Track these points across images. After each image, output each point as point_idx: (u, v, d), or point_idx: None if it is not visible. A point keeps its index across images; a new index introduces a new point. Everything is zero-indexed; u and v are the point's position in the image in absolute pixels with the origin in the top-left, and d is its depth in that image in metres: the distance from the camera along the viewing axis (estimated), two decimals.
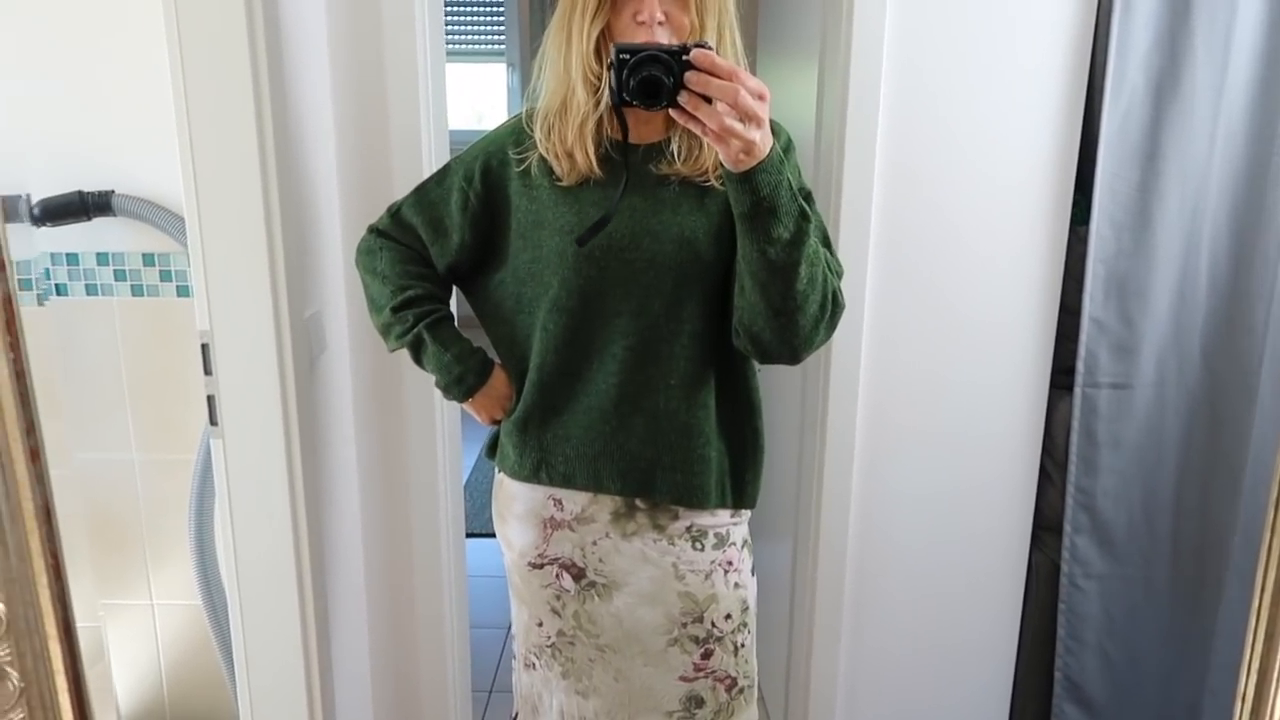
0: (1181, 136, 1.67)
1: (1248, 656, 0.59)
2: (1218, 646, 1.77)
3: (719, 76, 0.94)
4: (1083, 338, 1.76)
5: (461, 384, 1.28)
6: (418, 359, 1.29)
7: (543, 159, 1.20)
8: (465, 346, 1.29)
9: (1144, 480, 1.81)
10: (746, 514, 1.31)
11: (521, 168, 1.21)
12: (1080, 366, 1.78)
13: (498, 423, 1.32)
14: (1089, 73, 1.71)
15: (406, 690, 1.99)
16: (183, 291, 1.68)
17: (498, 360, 1.32)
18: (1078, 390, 1.78)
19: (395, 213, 1.32)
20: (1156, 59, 1.65)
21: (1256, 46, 1.61)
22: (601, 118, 1.16)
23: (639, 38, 1.10)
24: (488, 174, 1.24)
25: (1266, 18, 1.60)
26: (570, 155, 1.17)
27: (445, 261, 1.29)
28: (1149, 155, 1.69)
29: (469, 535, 2.11)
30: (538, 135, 1.20)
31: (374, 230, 1.34)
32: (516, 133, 1.24)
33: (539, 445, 1.25)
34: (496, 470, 1.34)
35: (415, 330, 1.27)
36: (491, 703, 2.42)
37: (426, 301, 1.29)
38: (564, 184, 1.19)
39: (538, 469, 1.26)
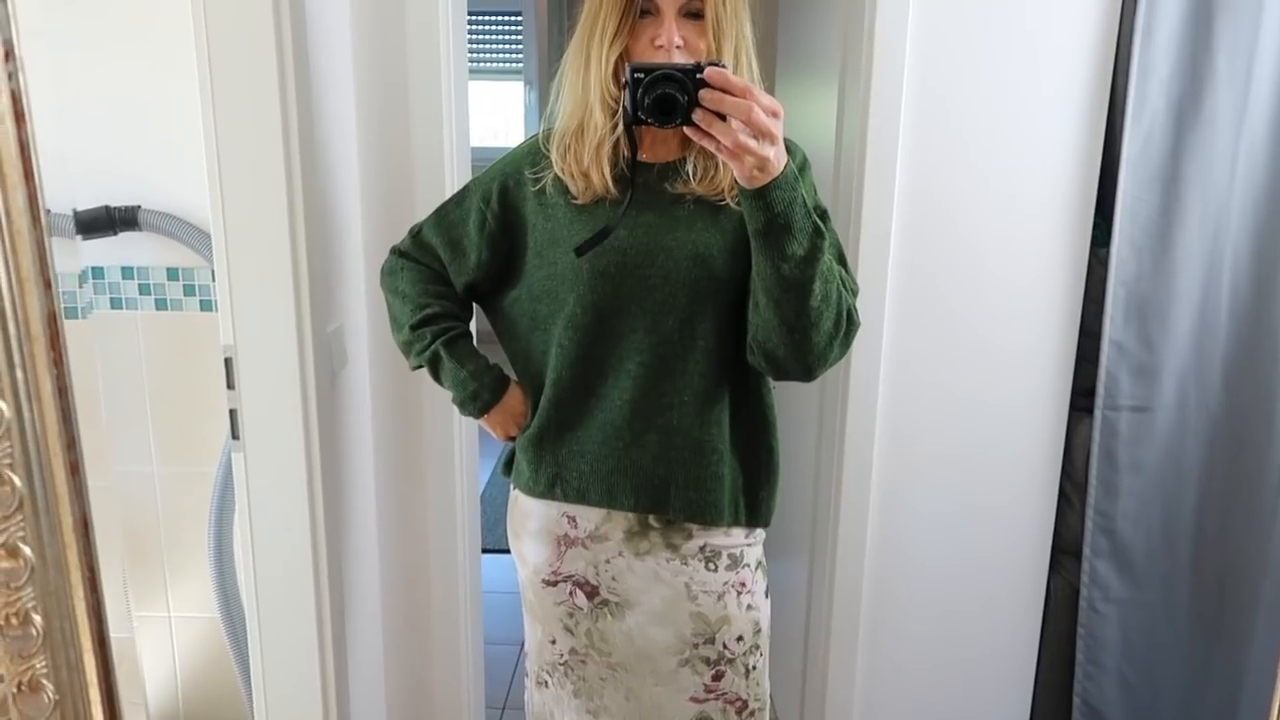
0: (1203, 160, 1.67)
1: (1279, 693, 0.58)
2: (1248, 678, 1.75)
3: (733, 94, 0.94)
4: (1103, 360, 1.76)
5: (476, 400, 1.29)
6: (436, 376, 1.31)
7: (558, 178, 1.21)
8: (481, 363, 1.30)
9: (1164, 504, 1.80)
10: (761, 534, 1.30)
11: (538, 187, 1.23)
12: (1100, 389, 1.77)
13: (513, 439, 1.33)
14: (1110, 95, 1.72)
15: (421, 706, 1.99)
16: (206, 306, 1.69)
17: (514, 378, 1.32)
18: (1098, 413, 1.78)
19: (416, 234, 1.35)
20: (1178, 82, 1.65)
21: (1278, 71, 1.61)
22: (619, 139, 1.17)
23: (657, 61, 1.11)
24: (505, 194, 1.25)
25: None
26: (586, 175, 1.18)
27: (464, 280, 1.31)
28: (1170, 178, 1.68)
29: (484, 551, 2.11)
30: (554, 155, 1.21)
31: (396, 251, 1.38)
32: (533, 153, 1.26)
33: (554, 460, 1.26)
34: (511, 487, 1.34)
35: (432, 347, 1.29)
36: (505, 718, 2.41)
37: (444, 319, 1.31)
38: (579, 203, 1.20)
39: (552, 484, 1.26)
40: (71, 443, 0.53)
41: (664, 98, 0.97)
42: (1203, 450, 1.77)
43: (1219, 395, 1.74)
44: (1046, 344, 1.81)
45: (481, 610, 2.06)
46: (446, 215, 1.32)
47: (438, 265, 1.33)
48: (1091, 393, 1.79)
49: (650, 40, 1.13)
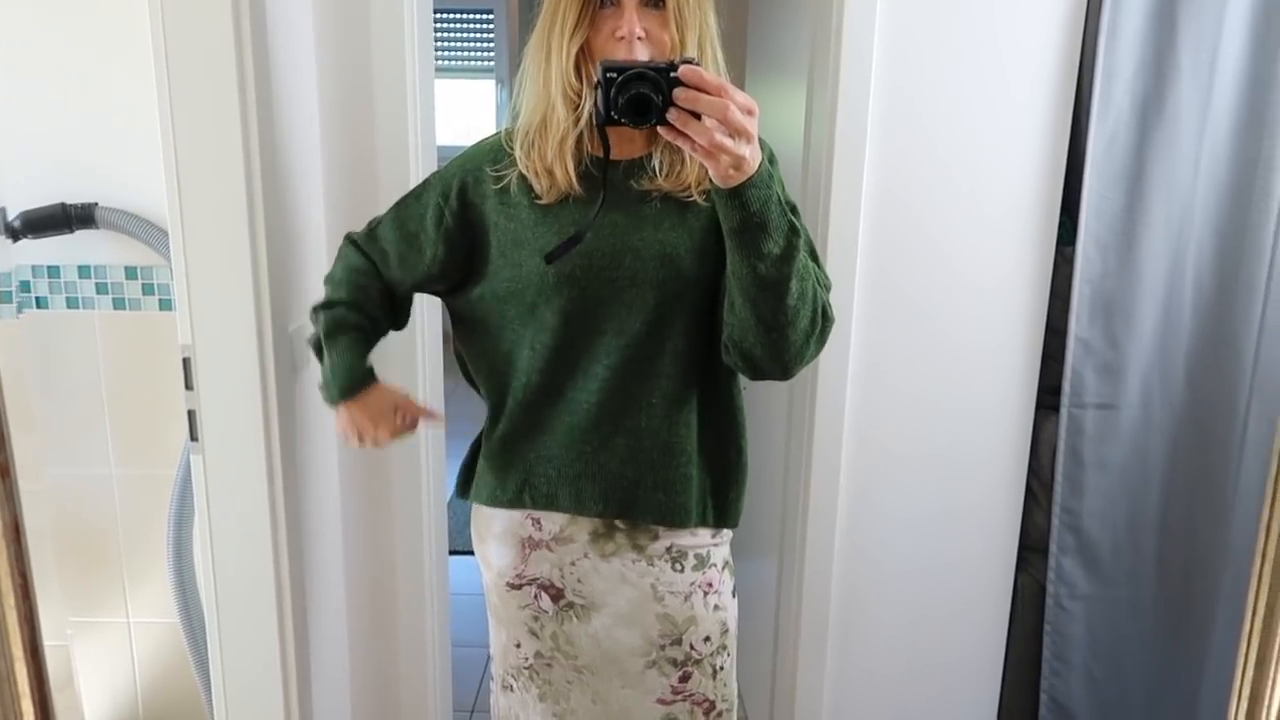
0: (1166, 159, 1.68)
1: (1238, 684, 0.58)
2: (1209, 669, 1.76)
3: (708, 92, 0.93)
4: (1069, 358, 1.77)
5: (326, 391, 1.29)
6: (320, 360, 1.30)
7: (522, 177, 1.19)
8: (348, 359, 1.27)
9: (1129, 501, 1.81)
10: (728, 534, 1.29)
11: (500, 185, 1.21)
12: (1066, 387, 1.78)
13: (363, 444, 1.30)
14: (1075, 95, 1.73)
15: (387, 710, 1.96)
16: (165, 305, 1.66)
17: (380, 379, 1.31)
18: (1064, 411, 1.79)
19: (373, 227, 1.33)
20: (1142, 82, 1.66)
21: (1241, 69, 1.63)
22: (582, 134, 1.16)
23: (619, 53, 1.10)
24: (464, 192, 1.23)
25: (1251, 41, 1.61)
26: (550, 172, 1.16)
27: (417, 274, 1.28)
28: (1134, 177, 1.70)
29: (453, 553, 2.09)
30: (517, 152, 1.19)
31: (348, 238, 1.36)
32: (495, 151, 1.24)
33: (522, 466, 1.24)
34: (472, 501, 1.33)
35: (315, 332, 1.30)
36: None
37: (344, 308, 1.29)
38: (543, 202, 1.18)
39: (520, 491, 1.24)
40: (0, 444, 0.51)
41: (638, 98, 0.95)
42: (1167, 447, 1.78)
43: (1182, 393, 1.76)
44: (1013, 342, 1.82)
45: (449, 612, 2.04)
46: (405, 209, 1.29)
47: (382, 259, 1.30)
48: (1058, 391, 1.80)
49: (611, 32, 1.11)
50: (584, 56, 1.13)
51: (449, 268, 1.26)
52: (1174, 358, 1.75)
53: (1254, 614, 0.56)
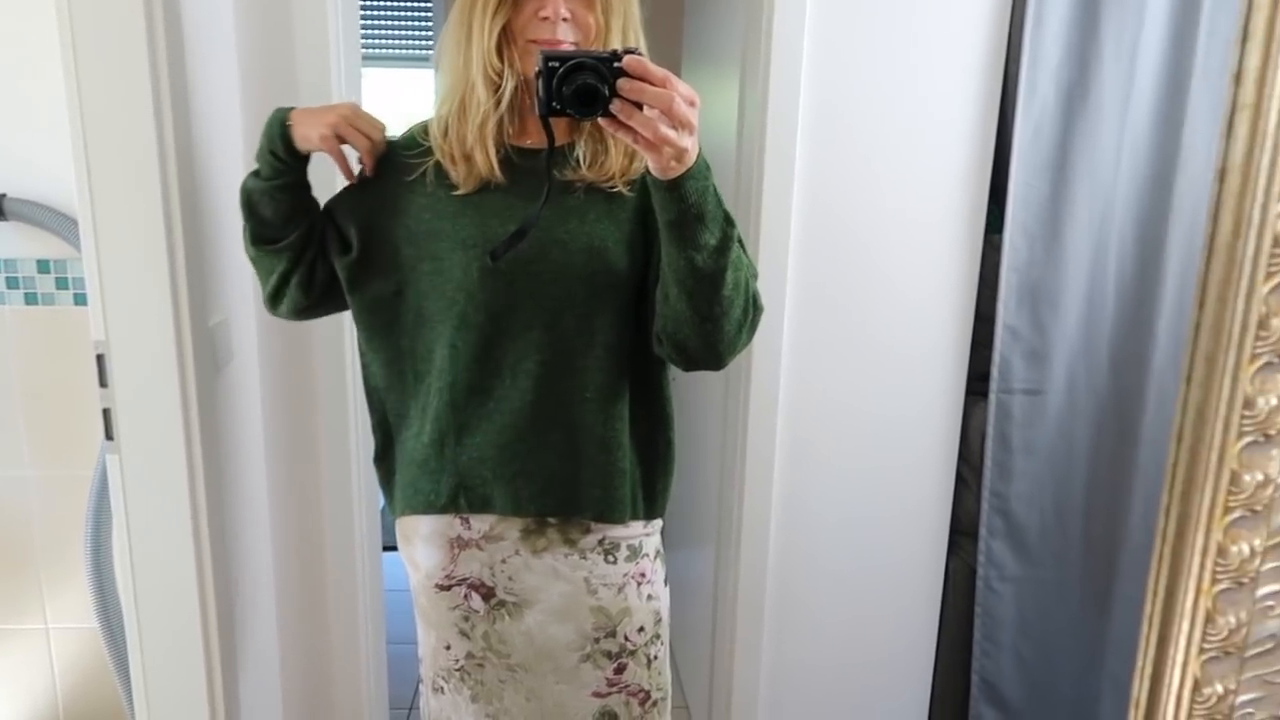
0: (1090, 148, 1.71)
1: (1140, 664, 0.60)
2: (1132, 646, 1.81)
3: (653, 83, 0.91)
4: (997, 345, 1.80)
5: (269, 135, 1.18)
6: (251, 203, 1.20)
7: (438, 166, 1.16)
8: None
9: (1056, 484, 1.85)
10: (658, 524, 1.29)
11: (413, 176, 1.18)
12: (994, 373, 1.81)
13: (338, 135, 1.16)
14: (1002, 85, 1.75)
15: (321, 711, 1.93)
16: (80, 299, 1.60)
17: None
18: (992, 397, 1.82)
19: None
20: (1067, 71, 1.69)
21: (1161, 60, 1.66)
22: (502, 119, 1.14)
23: (542, 34, 1.08)
24: (380, 180, 1.20)
25: (1170, 31, 1.65)
26: (469, 158, 1.14)
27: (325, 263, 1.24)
28: (1059, 166, 1.73)
29: (386, 549, 2.05)
30: (434, 137, 1.17)
31: None
32: (409, 141, 1.21)
33: (455, 470, 1.21)
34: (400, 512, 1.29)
35: (244, 189, 1.21)
36: (411, 719, 2.36)
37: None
38: (461, 192, 1.16)
39: (455, 496, 1.21)
40: None
41: (585, 88, 0.92)
42: (1091, 431, 1.82)
43: (1106, 377, 1.80)
44: (943, 330, 1.84)
45: (384, 610, 2.02)
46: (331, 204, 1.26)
47: None
48: (986, 377, 1.83)
49: (535, 12, 1.09)
50: (505, 37, 1.11)
51: (357, 262, 1.22)
52: (1098, 343, 1.79)
53: (1154, 595, 0.57)
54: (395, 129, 1.25)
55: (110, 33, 1.26)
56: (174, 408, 1.37)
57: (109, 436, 1.37)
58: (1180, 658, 0.56)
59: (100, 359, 1.35)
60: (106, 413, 1.37)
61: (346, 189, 1.23)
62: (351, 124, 1.15)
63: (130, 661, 1.46)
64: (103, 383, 1.36)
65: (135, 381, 1.36)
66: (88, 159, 1.29)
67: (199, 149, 1.44)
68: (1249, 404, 0.53)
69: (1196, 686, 0.57)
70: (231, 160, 1.62)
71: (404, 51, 5.51)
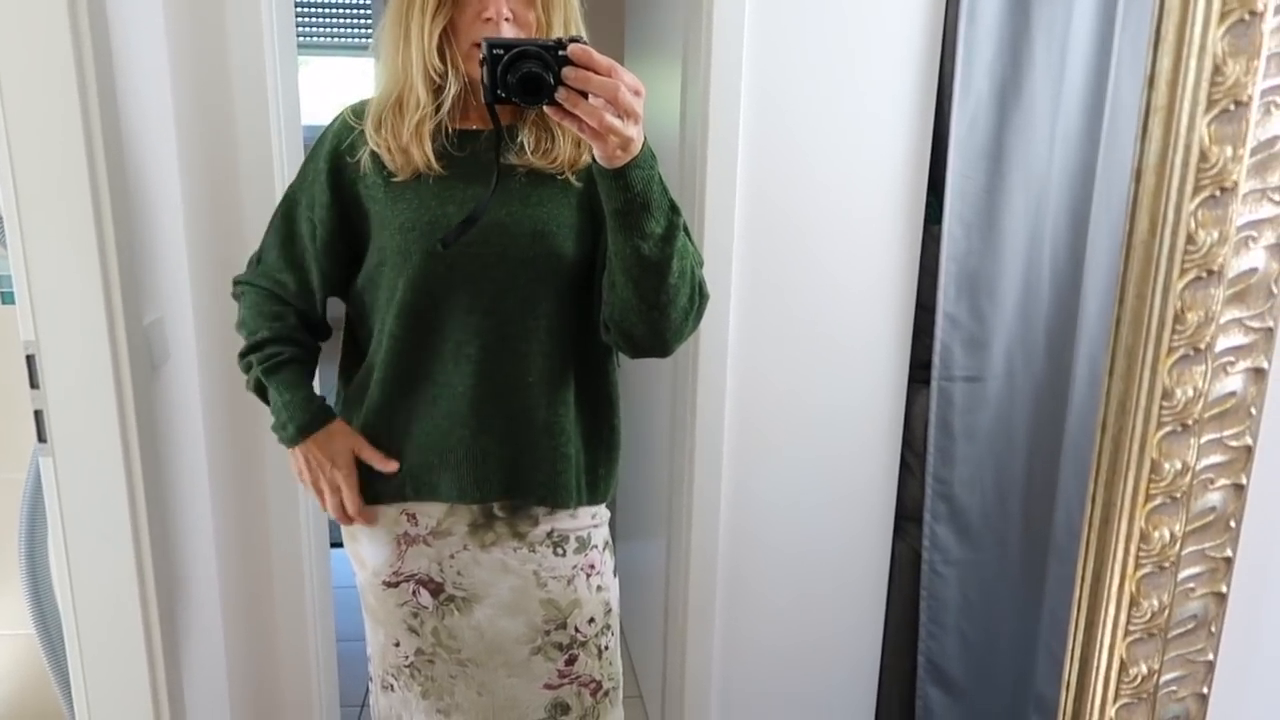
0: (1024, 140, 1.75)
1: (1070, 646, 0.62)
2: (1049, 617, 1.86)
3: (598, 72, 0.91)
4: (938, 333, 1.83)
5: (284, 431, 1.21)
6: (268, 403, 1.24)
7: (375, 155, 1.15)
8: (306, 392, 1.22)
9: (995, 468, 1.89)
10: (606, 515, 1.29)
11: (354, 160, 1.17)
12: (936, 361, 1.84)
13: (321, 495, 1.23)
14: (939, 80, 1.78)
15: (269, 709, 1.91)
16: (8, 299, 1.55)
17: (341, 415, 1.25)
18: (934, 384, 1.85)
19: (257, 257, 1.29)
20: (1000, 65, 1.72)
21: (1089, 54, 1.70)
22: (442, 117, 1.13)
23: (485, 35, 1.07)
24: (335, 174, 1.19)
25: (1097, 24, 1.69)
26: (405, 151, 1.13)
27: (320, 294, 1.25)
28: (994, 157, 1.76)
29: (334, 545, 2.03)
30: (368, 130, 1.15)
31: (235, 282, 1.30)
32: (345, 129, 1.19)
33: (399, 456, 1.21)
34: None
35: (254, 374, 1.23)
36: (363, 718, 2.34)
37: (272, 344, 1.22)
38: (398, 180, 1.15)
39: (402, 486, 1.21)
40: None
41: (530, 76, 0.92)
42: (1028, 416, 1.87)
43: (1043, 362, 1.84)
44: (886, 320, 1.87)
45: (332, 607, 1.99)
46: (281, 233, 1.25)
47: (277, 285, 1.25)
48: (928, 365, 1.86)
49: (477, 14, 1.08)
50: (446, 39, 1.10)
51: (341, 273, 1.23)
52: (1034, 329, 1.83)
53: (1082, 580, 0.59)
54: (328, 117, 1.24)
55: (31, 23, 1.22)
56: (109, 408, 1.34)
57: (41, 439, 1.34)
58: (1107, 640, 0.58)
59: (30, 359, 1.31)
60: (38, 414, 1.33)
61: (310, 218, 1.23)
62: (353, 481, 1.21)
63: (70, 667, 1.43)
64: (33, 384, 1.33)
65: (68, 382, 1.33)
66: (10, 152, 1.25)
67: (130, 141, 1.41)
68: (1167, 395, 0.56)
69: (1123, 667, 0.60)
70: (164, 152, 1.59)
71: (342, 41, 5.42)
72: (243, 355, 1.24)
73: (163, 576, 1.45)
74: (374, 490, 1.22)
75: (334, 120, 1.22)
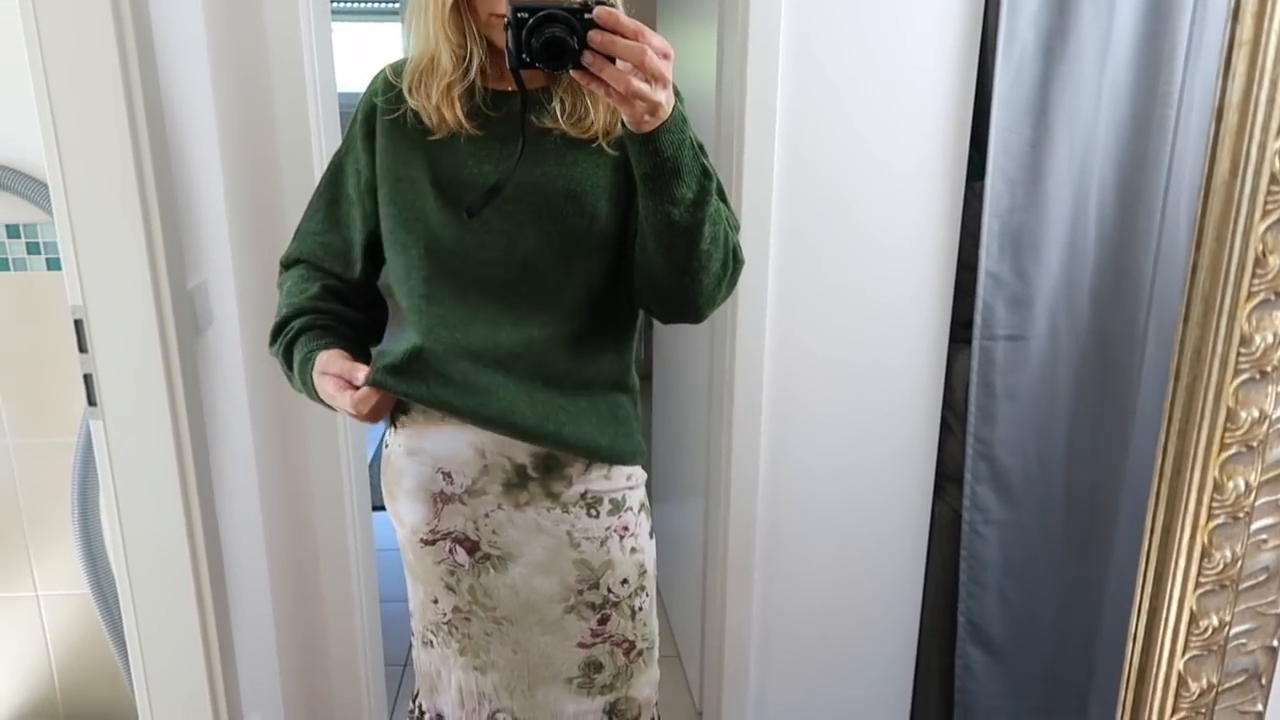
0: (1070, 92, 1.71)
1: (1138, 599, 0.61)
2: (1109, 587, 1.85)
3: (624, 36, 0.89)
4: (979, 292, 1.80)
5: (305, 388, 1.19)
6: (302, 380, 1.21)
7: (414, 111, 1.15)
8: (304, 352, 1.19)
9: (1038, 429, 1.87)
10: (642, 476, 1.29)
11: (392, 117, 1.16)
12: (978, 320, 1.82)
13: (366, 415, 1.15)
14: (982, 30, 1.74)
15: (317, 668, 1.94)
16: (54, 264, 1.58)
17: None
18: (975, 343, 1.83)
19: (296, 235, 1.28)
20: (1046, 16, 1.68)
21: (1140, 2, 1.65)
22: (472, 81, 1.12)
23: (499, 6, 1.05)
24: (370, 135, 1.19)
25: None
26: (438, 110, 1.12)
27: (361, 245, 1.23)
28: (1040, 111, 1.72)
29: (375, 508, 2.05)
30: (406, 87, 1.15)
31: (280, 263, 1.30)
32: (386, 85, 1.19)
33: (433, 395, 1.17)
34: (385, 444, 1.29)
35: (278, 357, 1.22)
36: (406, 676, 2.38)
37: (293, 318, 1.21)
38: (436, 137, 1.14)
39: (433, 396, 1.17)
40: None
41: (553, 40, 0.90)
42: (1073, 375, 1.84)
43: (1087, 322, 1.81)
44: (926, 279, 1.85)
45: (375, 568, 2.02)
46: (325, 197, 1.24)
47: (315, 254, 1.24)
48: (969, 324, 1.84)
49: None
50: (464, 3, 1.09)
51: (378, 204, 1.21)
52: (1079, 288, 1.80)
53: (1151, 531, 0.58)
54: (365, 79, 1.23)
55: None
56: (156, 371, 1.35)
57: (91, 402, 1.36)
58: (1177, 592, 0.57)
59: (79, 324, 1.33)
60: (88, 378, 1.35)
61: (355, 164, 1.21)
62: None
63: (125, 626, 1.46)
64: (82, 348, 1.34)
65: (115, 346, 1.34)
66: (54, 121, 1.26)
67: (170, 108, 1.41)
68: (1245, 341, 0.54)
69: (1193, 619, 0.59)
70: (203, 119, 1.59)
71: (372, 6, 5.39)
72: (271, 340, 1.23)
73: (211, 536, 1.47)
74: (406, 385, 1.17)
75: (374, 78, 1.22)
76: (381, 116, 1.17)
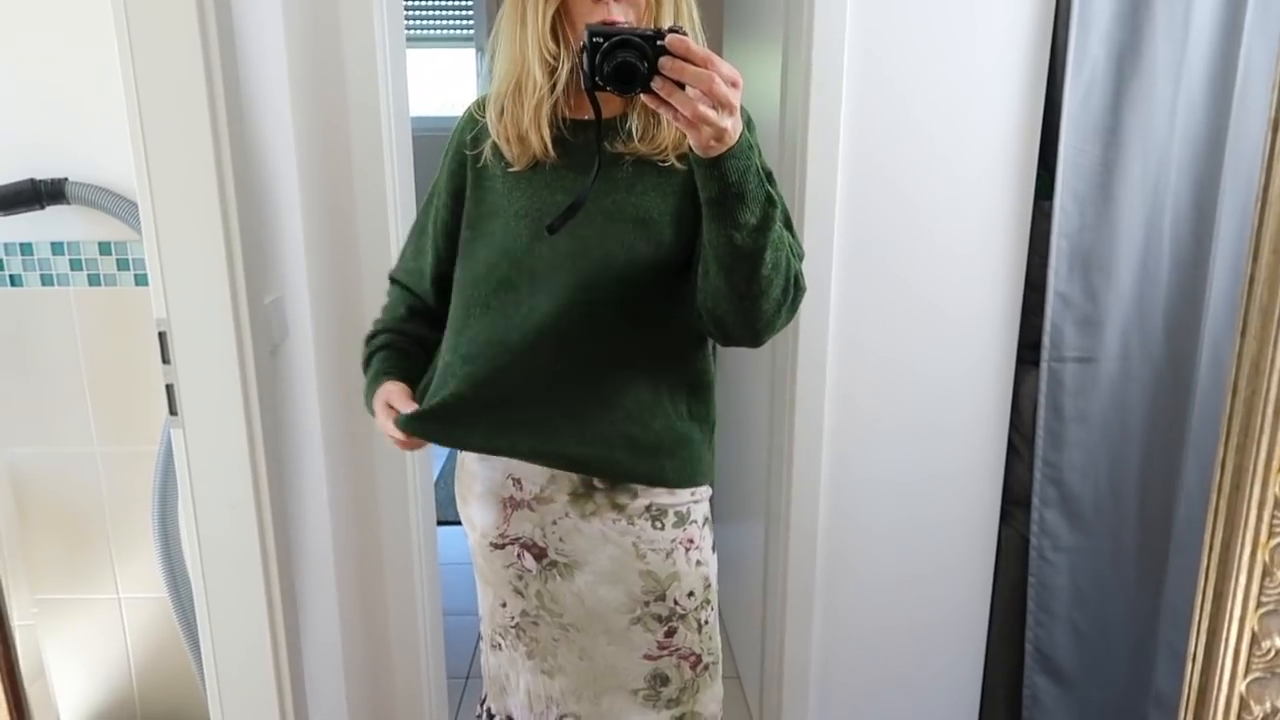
0: (1143, 110, 1.67)
1: (1196, 618, 0.59)
2: (1185, 618, 1.78)
3: (694, 63, 0.92)
4: (1048, 312, 1.77)
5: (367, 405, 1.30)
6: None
7: (495, 146, 1.19)
8: (373, 372, 1.31)
9: (1109, 453, 1.82)
10: (706, 492, 1.30)
11: (475, 152, 1.22)
12: (1046, 341, 1.78)
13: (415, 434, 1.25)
14: (1051, 48, 1.72)
15: (381, 677, 1.98)
16: (141, 280, 1.65)
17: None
18: (1044, 365, 1.79)
19: (400, 253, 1.40)
20: (1118, 33, 1.65)
21: (1216, 18, 1.62)
22: (557, 100, 1.15)
23: (595, 16, 1.09)
24: (454, 175, 1.26)
25: None
26: (523, 138, 1.16)
27: (432, 290, 1.33)
28: (1111, 129, 1.69)
29: (441, 523, 2.09)
30: (490, 118, 1.19)
31: (388, 277, 1.43)
32: (470, 123, 1.25)
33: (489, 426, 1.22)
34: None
35: (363, 355, 1.34)
36: (469, 689, 2.41)
37: (373, 339, 1.35)
38: (515, 170, 1.18)
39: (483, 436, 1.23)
40: None
41: (624, 65, 0.93)
42: (1146, 399, 1.79)
43: (1161, 345, 1.76)
44: (993, 298, 1.82)
45: (439, 582, 2.06)
46: (418, 225, 1.35)
47: (411, 279, 1.36)
48: (1037, 345, 1.80)
49: None
50: (560, 20, 1.13)
51: (453, 243, 1.29)
52: (1152, 309, 1.76)
53: (1210, 549, 0.57)
54: (443, 108, 1.28)
55: (163, 19, 1.29)
56: (234, 382, 1.41)
57: (173, 411, 1.42)
58: (1238, 612, 0.56)
59: (162, 336, 1.39)
60: (170, 388, 1.41)
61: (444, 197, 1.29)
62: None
63: (199, 629, 1.51)
64: (165, 359, 1.40)
65: (196, 358, 1.40)
66: (145, 143, 1.33)
67: (251, 131, 1.48)
68: None
69: (1255, 640, 0.57)
70: (282, 142, 1.66)
71: (445, 33, 5.54)
72: (364, 362, 1.35)
73: (283, 545, 1.52)
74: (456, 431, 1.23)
75: (462, 116, 1.27)
76: (472, 165, 1.23)
